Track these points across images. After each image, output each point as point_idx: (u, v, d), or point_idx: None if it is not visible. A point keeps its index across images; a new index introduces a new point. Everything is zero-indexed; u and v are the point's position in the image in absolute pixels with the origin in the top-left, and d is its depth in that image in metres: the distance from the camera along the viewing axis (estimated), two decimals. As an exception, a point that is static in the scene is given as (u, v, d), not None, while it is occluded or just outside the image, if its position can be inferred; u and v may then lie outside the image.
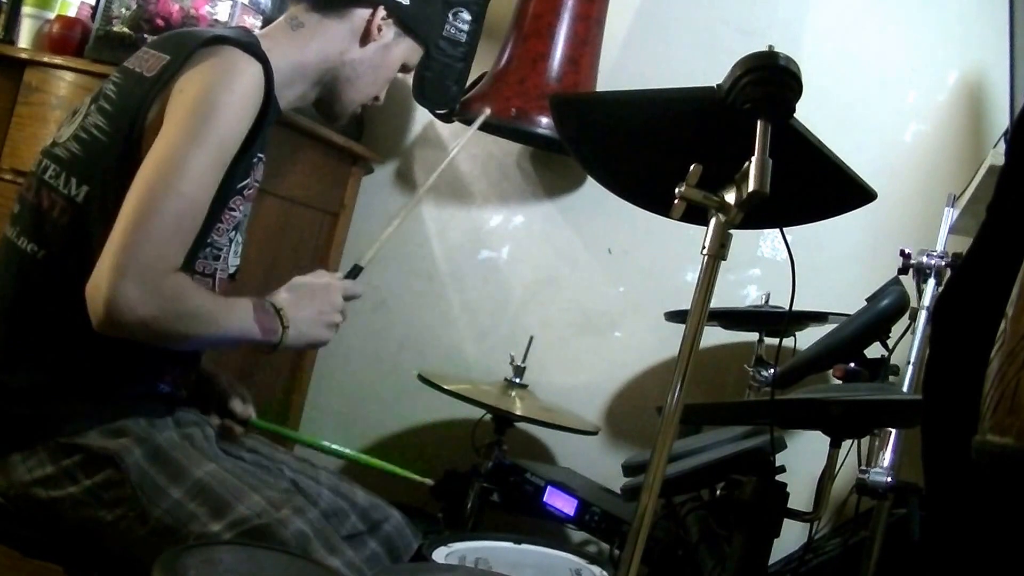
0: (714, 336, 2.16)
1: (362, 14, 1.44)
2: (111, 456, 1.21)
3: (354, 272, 1.49)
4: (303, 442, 1.52)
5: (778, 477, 1.23)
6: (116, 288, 1.11)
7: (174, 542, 1.18)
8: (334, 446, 1.51)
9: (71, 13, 2.13)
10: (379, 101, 1.55)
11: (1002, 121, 2.03)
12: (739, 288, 2.26)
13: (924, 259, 1.70)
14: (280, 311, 1.30)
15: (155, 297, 1.13)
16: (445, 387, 1.86)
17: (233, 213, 1.33)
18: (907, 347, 1.64)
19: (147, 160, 1.19)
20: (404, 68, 1.54)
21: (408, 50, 1.51)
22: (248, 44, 1.27)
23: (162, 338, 1.19)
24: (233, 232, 1.36)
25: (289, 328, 1.29)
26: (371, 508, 1.46)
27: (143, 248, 1.13)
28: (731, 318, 2.06)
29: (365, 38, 1.45)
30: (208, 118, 1.20)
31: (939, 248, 1.73)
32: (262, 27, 1.92)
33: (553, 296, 2.38)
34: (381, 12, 1.44)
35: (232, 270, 1.40)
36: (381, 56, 1.48)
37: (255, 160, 1.35)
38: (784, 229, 1.19)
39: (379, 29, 1.45)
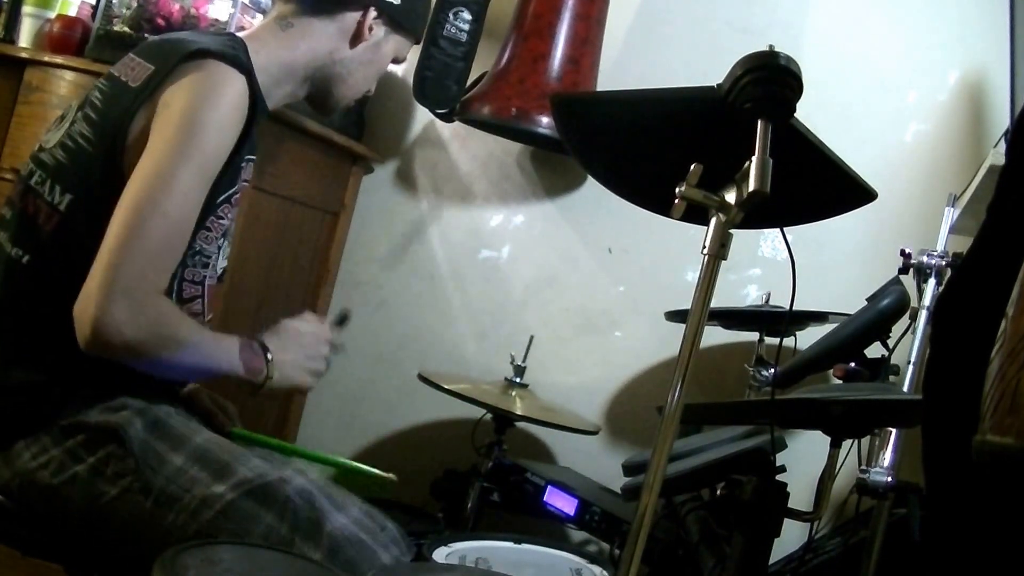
0: (714, 336, 2.16)
1: (352, 15, 1.44)
2: (113, 429, 1.22)
3: (343, 318, 1.48)
4: (278, 448, 1.52)
5: (778, 477, 1.23)
6: (103, 308, 1.11)
7: (179, 509, 1.19)
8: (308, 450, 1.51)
9: (71, 12, 2.13)
10: (371, 92, 1.56)
11: (1002, 121, 2.03)
12: (739, 288, 2.26)
13: (924, 259, 1.70)
14: (267, 352, 1.30)
15: (141, 319, 1.14)
16: (445, 387, 1.86)
17: (222, 221, 1.34)
18: (907, 347, 1.64)
19: (133, 178, 1.19)
20: (395, 60, 1.55)
21: (398, 44, 1.52)
22: (232, 56, 1.27)
23: (146, 361, 1.19)
24: (222, 239, 1.36)
25: (274, 371, 1.30)
26: (364, 517, 1.46)
27: (130, 268, 1.14)
28: (731, 318, 2.06)
29: (356, 39, 1.45)
30: (194, 135, 1.20)
31: (939, 248, 1.72)
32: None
33: (553, 296, 2.38)
34: (372, 12, 1.44)
35: (219, 272, 1.41)
36: (372, 53, 1.48)
37: (243, 163, 1.35)
38: (784, 229, 1.19)
39: (370, 29, 1.45)
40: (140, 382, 1.32)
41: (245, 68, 1.28)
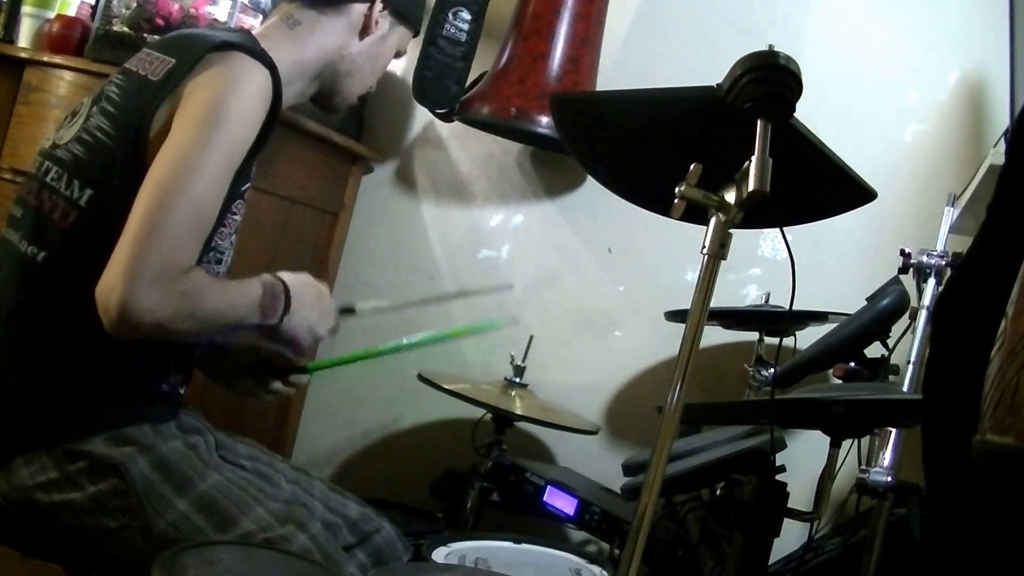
0: (714, 336, 2.16)
1: (359, 8, 1.44)
2: (115, 465, 1.20)
3: (347, 311, 1.49)
4: (363, 356, 1.55)
5: (778, 477, 1.23)
6: (130, 291, 1.10)
7: None
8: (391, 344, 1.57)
9: (71, 12, 2.13)
10: (372, 89, 1.56)
11: (1002, 121, 2.03)
12: (739, 288, 2.26)
13: (924, 259, 1.70)
14: (289, 298, 1.29)
15: (171, 299, 1.13)
16: (445, 387, 1.86)
17: (235, 217, 1.34)
18: (907, 347, 1.64)
19: (157, 163, 1.18)
20: (397, 54, 1.55)
21: (401, 36, 1.53)
22: (256, 51, 1.28)
23: (176, 336, 1.19)
24: (234, 236, 1.36)
25: (286, 320, 1.29)
26: (362, 520, 1.46)
27: (157, 250, 1.12)
28: (731, 318, 2.06)
29: (364, 32, 1.45)
30: (219, 123, 1.20)
31: (939, 248, 1.72)
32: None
33: (553, 296, 2.38)
34: (378, 4, 1.45)
35: (227, 268, 1.41)
36: (378, 47, 1.49)
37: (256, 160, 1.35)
38: (784, 229, 1.19)
39: (376, 22, 1.45)
40: (142, 388, 1.31)
41: (269, 62, 1.28)
